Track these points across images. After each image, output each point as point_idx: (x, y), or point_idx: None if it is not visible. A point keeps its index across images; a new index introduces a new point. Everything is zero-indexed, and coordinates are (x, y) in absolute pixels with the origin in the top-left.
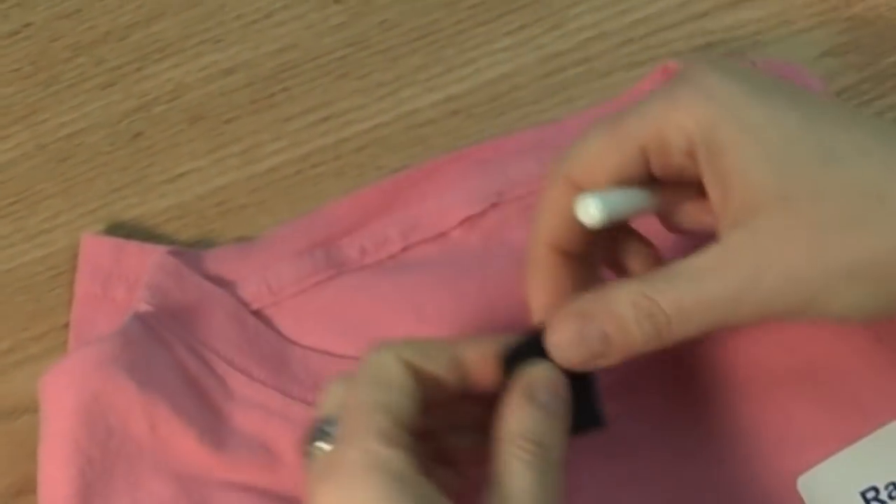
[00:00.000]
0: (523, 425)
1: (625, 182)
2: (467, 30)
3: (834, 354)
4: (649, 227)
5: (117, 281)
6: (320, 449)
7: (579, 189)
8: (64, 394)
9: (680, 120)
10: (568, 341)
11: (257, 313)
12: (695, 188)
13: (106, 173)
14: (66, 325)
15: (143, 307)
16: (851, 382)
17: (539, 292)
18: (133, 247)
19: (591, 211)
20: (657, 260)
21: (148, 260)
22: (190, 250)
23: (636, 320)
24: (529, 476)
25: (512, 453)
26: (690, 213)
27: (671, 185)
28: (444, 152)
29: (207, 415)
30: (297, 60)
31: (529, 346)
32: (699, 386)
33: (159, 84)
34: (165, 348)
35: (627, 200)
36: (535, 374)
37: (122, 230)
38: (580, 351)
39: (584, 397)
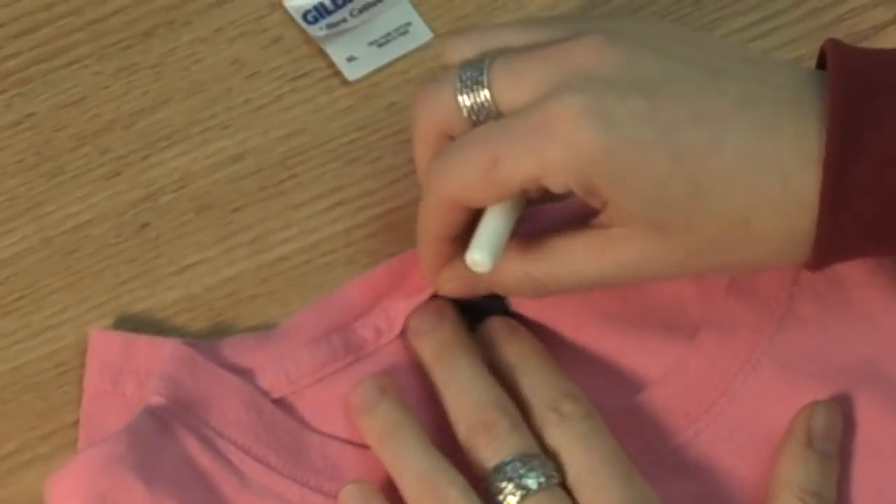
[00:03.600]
0: (803, 475)
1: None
2: None
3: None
4: None
5: (127, 376)
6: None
7: (460, 206)
8: (70, 498)
9: (552, 176)
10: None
11: (277, 402)
12: None
13: (113, 266)
14: (75, 424)
15: (156, 399)
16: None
17: (432, 269)
18: (143, 341)
19: (479, 268)
20: None
21: (158, 354)
22: (203, 341)
23: (519, 288)
24: None
25: None
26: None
27: None
28: None
29: None
30: (306, 145)
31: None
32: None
33: (166, 173)
34: (176, 442)
35: (508, 230)
36: (815, 422)
37: (130, 324)
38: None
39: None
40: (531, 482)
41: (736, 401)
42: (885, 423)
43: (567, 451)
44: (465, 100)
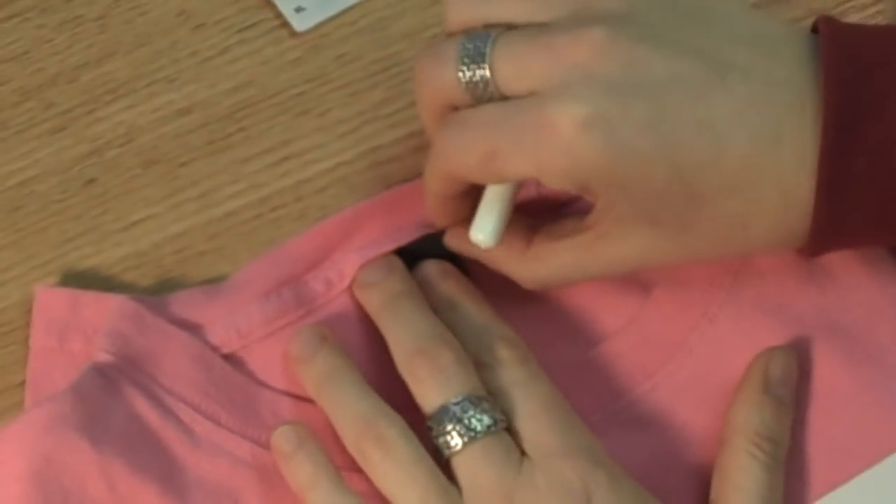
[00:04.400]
0: (758, 419)
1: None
2: None
3: None
4: None
5: (74, 333)
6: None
7: (461, 180)
8: (14, 459)
9: (549, 178)
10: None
11: (227, 357)
12: None
13: (58, 223)
14: (22, 384)
15: (103, 356)
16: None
17: (439, 219)
18: (89, 297)
19: (482, 245)
20: None
21: (105, 310)
22: (151, 297)
23: (519, 274)
24: (764, 477)
25: (747, 450)
26: None
27: None
28: None
29: (169, 468)
30: (254, 98)
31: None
32: None
33: (111, 127)
34: (124, 400)
35: (509, 207)
36: (772, 368)
37: (77, 281)
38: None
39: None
40: (478, 425)
41: (693, 354)
42: (841, 374)
43: (506, 396)
44: (465, 75)
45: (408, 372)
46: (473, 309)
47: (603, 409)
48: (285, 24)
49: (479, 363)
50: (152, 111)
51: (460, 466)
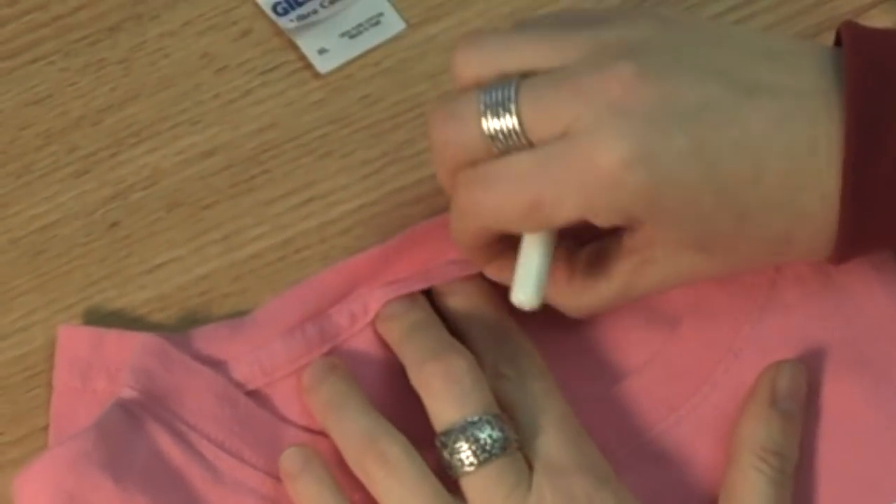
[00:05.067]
0: (764, 433)
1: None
2: None
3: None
4: None
5: (97, 372)
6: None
7: (498, 233)
8: (38, 497)
9: (597, 216)
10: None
11: (251, 394)
12: None
13: (82, 266)
14: (46, 428)
15: (127, 392)
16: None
17: (481, 265)
18: (113, 335)
19: (526, 307)
20: None
21: (128, 348)
22: (176, 334)
23: (565, 305)
24: (771, 492)
25: (752, 465)
26: None
27: None
28: None
29: None
30: (278, 140)
31: None
32: None
33: (135, 170)
34: (147, 437)
35: (548, 261)
36: (780, 381)
37: (101, 325)
38: None
39: None
40: (494, 446)
41: (718, 389)
42: (867, 408)
43: (521, 409)
44: (490, 126)
45: (421, 384)
46: (494, 319)
47: (628, 444)
48: (308, 66)
49: (498, 374)
50: (176, 154)
51: (471, 486)
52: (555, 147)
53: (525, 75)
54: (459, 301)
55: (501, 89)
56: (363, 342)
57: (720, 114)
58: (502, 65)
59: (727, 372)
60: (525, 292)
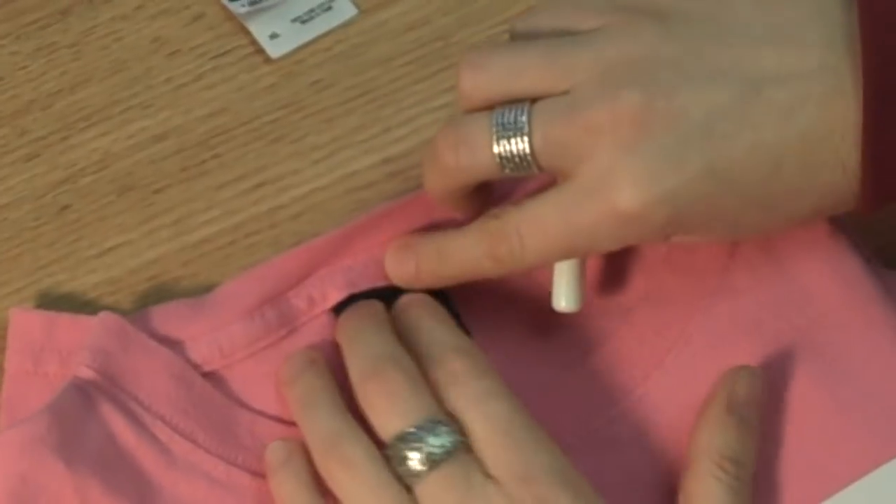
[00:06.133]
0: (721, 441)
1: None
2: (404, 87)
3: None
4: None
5: (49, 355)
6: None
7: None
8: None
9: (627, 244)
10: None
11: (208, 376)
12: None
13: (32, 249)
14: None
15: (83, 371)
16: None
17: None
18: (65, 319)
19: (575, 310)
20: None
21: (81, 332)
22: (137, 311)
23: None
24: (728, 499)
25: (710, 471)
26: None
27: None
28: None
29: (145, 488)
30: (229, 125)
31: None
32: None
33: (86, 154)
34: (101, 419)
35: (583, 270)
36: (737, 388)
37: (51, 308)
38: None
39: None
40: (437, 451)
41: (668, 374)
42: (817, 394)
43: (464, 415)
44: (503, 150)
45: (362, 399)
46: (431, 326)
47: (579, 429)
48: (260, 51)
49: (435, 381)
50: (127, 138)
51: (423, 494)
52: (575, 194)
53: (536, 101)
54: (405, 318)
55: (513, 114)
56: (320, 326)
57: (730, 122)
58: (510, 89)
59: (678, 357)
60: (567, 298)
